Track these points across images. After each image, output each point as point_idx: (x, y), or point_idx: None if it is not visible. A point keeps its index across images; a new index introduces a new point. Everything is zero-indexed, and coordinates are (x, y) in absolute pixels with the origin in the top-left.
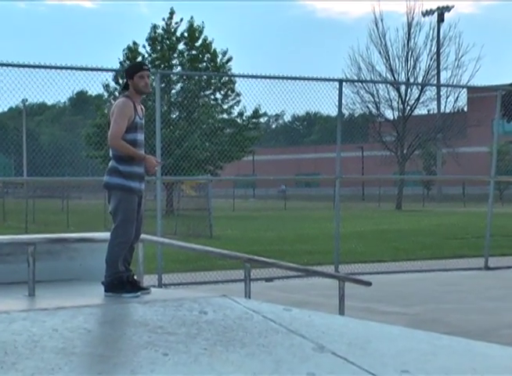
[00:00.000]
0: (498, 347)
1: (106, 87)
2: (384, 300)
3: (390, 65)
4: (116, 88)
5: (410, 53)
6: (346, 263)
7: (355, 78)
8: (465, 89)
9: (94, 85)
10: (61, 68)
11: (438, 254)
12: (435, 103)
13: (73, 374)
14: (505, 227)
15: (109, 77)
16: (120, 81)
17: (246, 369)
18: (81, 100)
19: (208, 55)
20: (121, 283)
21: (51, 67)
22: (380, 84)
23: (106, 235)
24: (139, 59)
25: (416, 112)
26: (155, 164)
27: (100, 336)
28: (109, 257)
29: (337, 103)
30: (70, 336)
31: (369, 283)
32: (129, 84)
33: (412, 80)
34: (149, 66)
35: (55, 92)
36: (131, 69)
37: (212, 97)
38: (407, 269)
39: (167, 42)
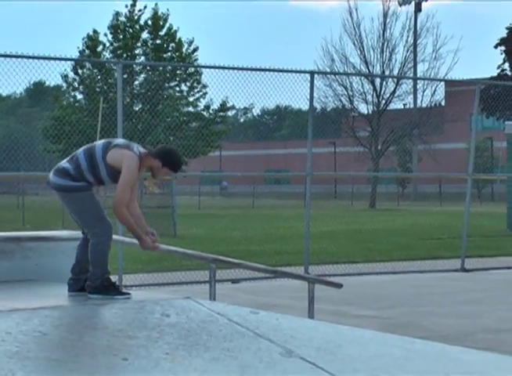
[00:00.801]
0: (473, 352)
1: (65, 77)
2: (356, 303)
3: (364, 57)
4: (75, 79)
5: (386, 44)
6: (316, 264)
7: (328, 70)
8: (442, 83)
9: (52, 75)
10: (17, 57)
11: (413, 255)
12: (411, 96)
13: None
14: (483, 227)
15: (67, 67)
16: (80, 72)
17: (210, 374)
18: (38, 91)
19: (173, 44)
20: (112, 284)
21: (6, 56)
22: (354, 77)
23: (64, 233)
24: (100, 48)
25: (392, 106)
26: (150, 248)
27: (56, 339)
28: (97, 258)
29: (308, 97)
30: (24, 339)
31: (340, 285)
32: (155, 159)
33: (387, 72)
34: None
35: (11, 82)
36: (171, 161)
37: (177, 89)
38: (380, 271)
39: (130, 31)
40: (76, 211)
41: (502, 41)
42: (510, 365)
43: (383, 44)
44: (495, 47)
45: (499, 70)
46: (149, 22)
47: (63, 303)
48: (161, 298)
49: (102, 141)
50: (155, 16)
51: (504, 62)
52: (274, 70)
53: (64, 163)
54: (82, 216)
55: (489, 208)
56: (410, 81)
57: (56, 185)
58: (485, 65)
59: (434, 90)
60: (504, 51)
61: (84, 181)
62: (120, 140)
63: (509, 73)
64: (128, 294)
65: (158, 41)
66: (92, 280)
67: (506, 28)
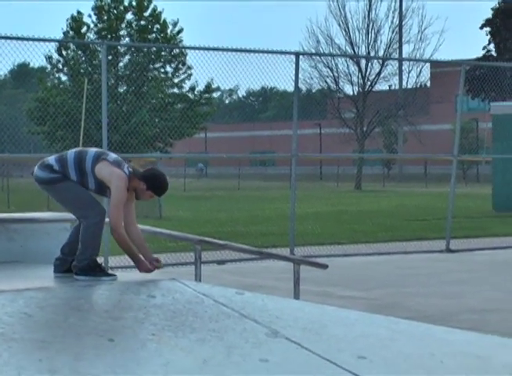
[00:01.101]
0: (458, 332)
1: (49, 59)
2: (342, 284)
3: (350, 38)
4: (59, 61)
5: (371, 26)
6: (302, 245)
7: (313, 51)
8: (428, 64)
9: (36, 57)
10: (0, 38)
11: (398, 236)
12: (397, 78)
13: (13, 361)
14: (468, 208)
15: (52, 49)
16: (64, 53)
17: (196, 355)
18: (22, 73)
19: (158, 26)
20: (98, 265)
21: None
22: (339, 58)
23: (49, 215)
24: (84, 29)
25: (377, 87)
26: (148, 271)
27: (42, 321)
28: (87, 239)
29: (293, 78)
30: (9, 321)
31: (325, 266)
32: (140, 181)
33: (372, 53)
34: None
35: None
36: (156, 186)
37: (162, 70)
38: (366, 252)
39: (115, 12)
40: (63, 201)
41: (487, 22)
42: (493, 345)
43: (368, 25)
44: (481, 28)
45: (484, 51)
46: (134, 3)
47: (48, 284)
48: (147, 280)
49: (95, 150)
50: None
51: (489, 43)
52: (259, 52)
53: (51, 159)
54: (70, 204)
55: (474, 189)
56: (395, 62)
57: (39, 178)
58: (471, 46)
59: (420, 71)
60: (489, 32)
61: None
62: (113, 155)
63: (494, 54)
64: (114, 275)
65: (143, 23)
66: (79, 261)
67: (492, 9)
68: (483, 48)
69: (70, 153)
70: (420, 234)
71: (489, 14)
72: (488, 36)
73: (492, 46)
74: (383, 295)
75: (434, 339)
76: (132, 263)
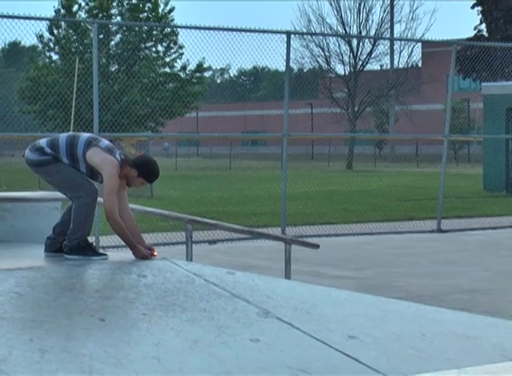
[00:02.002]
0: (449, 312)
1: (41, 38)
2: (333, 263)
3: (341, 17)
4: (50, 39)
5: (362, 5)
6: (293, 225)
7: (305, 31)
8: (419, 44)
9: (27, 35)
10: None
11: (390, 216)
12: (388, 57)
13: (3, 340)
14: (459, 188)
15: (43, 27)
16: (55, 32)
17: (186, 334)
18: (13, 51)
19: (149, 4)
20: (89, 245)
21: None
22: (331, 38)
23: (40, 194)
24: (75, 7)
25: (368, 67)
26: (145, 257)
27: (33, 300)
28: (79, 218)
29: (285, 57)
30: (0, 300)
31: (316, 246)
32: (131, 168)
33: (364, 33)
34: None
35: None
36: (147, 173)
37: (153, 49)
38: (357, 232)
39: None
40: (55, 183)
41: (479, 2)
42: (484, 325)
43: (360, 4)
44: (472, 7)
45: (475, 31)
46: None
47: (39, 264)
48: (138, 259)
49: (87, 136)
50: None
51: (481, 23)
52: (250, 31)
53: (42, 142)
54: (63, 185)
55: (465, 169)
56: (387, 41)
57: (30, 160)
58: (462, 26)
59: (411, 51)
60: (481, 11)
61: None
62: (105, 142)
63: (485, 34)
64: (105, 255)
65: (134, 1)
66: (70, 240)
67: None
68: (474, 28)
69: (62, 137)
70: (411, 214)
71: None
72: (480, 16)
73: (483, 26)
74: (374, 275)
75: (424, 319)
76: (123, 243)
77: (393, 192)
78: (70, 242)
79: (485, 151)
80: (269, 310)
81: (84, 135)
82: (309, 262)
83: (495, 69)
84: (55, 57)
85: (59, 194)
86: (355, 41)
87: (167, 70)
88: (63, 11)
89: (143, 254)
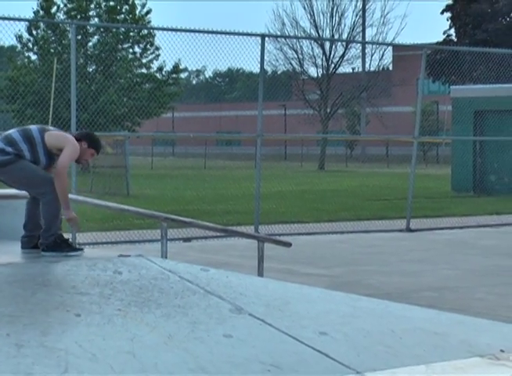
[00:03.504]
0: (417, 309)
1: (19, 38)
2: (304, 261)
3: (314, 21)
4: (29, 40)
5: (335, 9)
6: (266, 224)
7: (279, 34)
8: (390, 47)
9: (6, 36)
10: None
11: (360, 215)
12: (360, 60)
13: None
14: (428, 189)
15: (22, 28)
16: (34, 32)
17: (161, 330)
18: None
19: (126, 7)
20: (65, 240)
21: None
22: (304, 41)
23: (16, 192)
24: (54, 9)
25: (341, 70)
26: (76, 220)
27: (9, 296)
28: (49, 215)
29: (259, 60)
30: None
31: (289, 244)
32: (80, 141)
33: (336, 36)
34: None
35: None
36: (95, 141)
37: (130, 51)
38: (328, 231)
39: None
40: (19, 181)
41: (448, 8)
42: (451, 322)
43: (332, 8)
44: (442, 13)
45: (445, 36)
46: None
47: (15, 260)
48: (113, 256)
49: (36, 125)
50: None
51: (450, 28)
52: (226, 33)
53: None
54: (27, 183)
55: (434, 170)
56: (359, 45)
57: None
58: (432, 31)
59: (382, 54)
60: (450, 17)
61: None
62: (54, 129)
63: (454, 38)
64: (81, 250)
65: (111, 3)
66: (46, 238)
67: None
68: (443, 33)
69: (13, 133)
70: (381, 214)
71: (450, 0)
72: (449, 21)
73: (452, 31)
74: (344, 273)
75: (393, 316)
76: (101, 240)
77: (364, 192)
78: (45, 240)
79: (453, 153)
80: (242, 307)
81: (33, 125)
82: (282, 260)
83: (463, 72)
84: (33, 57)
85: None
86: (327, 45)
87: (144, 71)
88: (41, 12)
89: (75, 217)
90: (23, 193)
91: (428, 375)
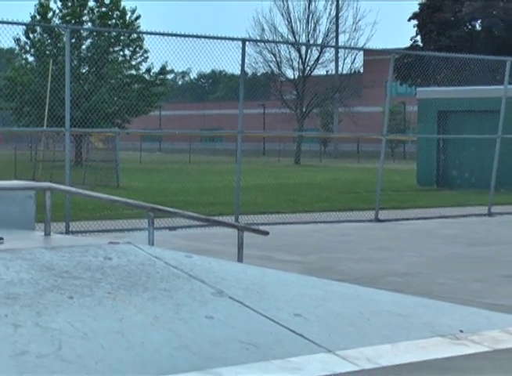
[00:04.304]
0: (384, 293)
1: (18, 41)
2: (281, 249)
3: (291, 27)
4: (26, 43)
5: (311, 16)
6: (246, 214)
7: (258, 38)
8: (361, 52)
9: (5, 38)
10: None
11: (333, 206)
12: (333, 64)
13: None
14: (395, 182)
15: (20, 32)
16: (31, 36)
17: (148, 312)
18: None
19: (117, 12)
20: None
21: None
22: (282, 45)
23: (15, 183)
24: (50, 14)
25: (316, 72)
26: None
27: (7, 279)
28: None
29: (240, 62)
30: None
31: (266, 233)
32: None
33: (312, 41)
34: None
35: None
36: None
37: (121, 53)
38: (303, 221)
39: None
40: None
41: (414, 16)
42: (415, 304)
43: (308, 16)
44: (409, 20)
45: (411, 42)
46: None
47: (14, 246)
48: (104, 243)
49: None
50: None
51: (416, 34)
52: (209, 38)
53: None
54: None
55: (401, 166)
56: (332, 49)
57: None
58: (400, 37)
59: (354, 58)
60: (417, 24)
61: None
62: None
63: (420, 44)
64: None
65: (103, 9)
66: None
67: (419, 4)
68: (410, 39)
69: None
70: (351, 205)
71: (416, 8)
72: (415, 28)
73: (418, 37)
74: (317, 260)
75: (362, 299)
76: (92, 228)
77: (336, 185)
78: None
79: (419, 149)
80: (223, 290)
81: None
82: (260, 248)
83: (428, 76)
84: (30, 59)
85: (33, 183)
86: (303, 49)
87: (133, 72)
88: (38, 17)
89: None
90: (22, 185)
91: (393, 353)
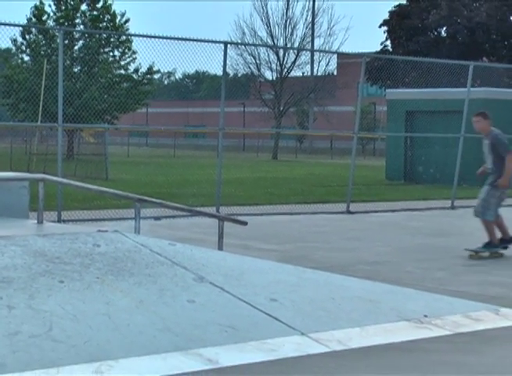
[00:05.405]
0: (354, 280)
1: (14, 41)
2: (259, 238)
3: (270, 31)
4: (22, 43)
5: (288, 21)
6: (226, 205)
7: (239, 41)
8: (335, 55)
9: (2, 39)
10: None
11: (307, 199)
12: (309, 66)
13: None
14: (365, 177)
15: (16, 33)
16: (27, 37)
17: (133, 296)
18: None
19: (108, 16)
20: None
21: None
22: (261, 48)
23: (11, 174)
24: (45, 16)
25: (292, 74)
26: None
27: (2, 264)
28: None
29: (222, 64)
30: None
31: (245, 223)
32: None
33: (289, 45)
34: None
35: None
36: None
37: (111, 54)
38: (280, 212)
39: (71, 3)
40: None
41: (385, 22)
42: (383, 291)
43: (286, 21)
44: (379, 27)
45: (382, 46)
46: None
47: (8, 233)
48: (93, 231)
49: None
50: None
51: (386, 39)
52: (193, 40)
53: None
54: None
55: (371, 162)
56: (308, 52)
57: None
58: (371, 41)
59: (328, 61)
60: (387, 30)
61: None
62: None
63: (390, 49)
64: None
65: (95, 13)
66: None
67: (389, 12)
68: (381, 44)
69: None
70: (325, 198)
71: (386, 15)
72: (385, 34)
73: (388, 42)
74: (293, 249)
75: (334, 286)
76: (82, 217)
77: (311, 179)
78: None
79: (388, 146)
80: (204, 276)
81: None
82: (239, 237)
83: (397, 78)
84: (26, 58)
85: (27, 175)
86: (281, 52)
87: (122, 71)
88: (34, 19)
89: None
90: (17, 176)
91: (362, 336)
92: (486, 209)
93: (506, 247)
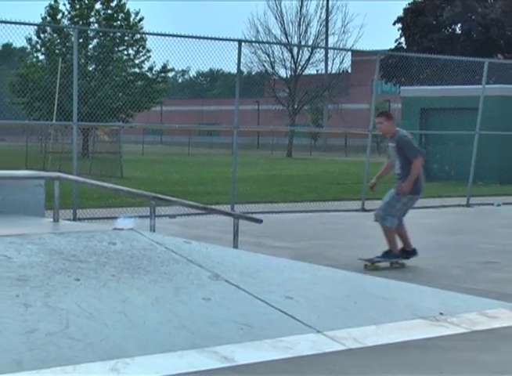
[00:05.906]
0: (370, 277)
1: (29, 40)
2: (274, 236)
3: (284, 29)
4: (37, 42)
5: (302, 19)
6: (241, 203)
7: (253, 39)
8: (349, 52)
9: (18, 38)
10: None
11: (322, 197)
12: (323, 63)
13: None
14: None
15: (31, 32)
16: (42, 36)
17: (149, 293)
18: (6, 52)
19: (122, 14)
20: None
21: None
22: (275, 46)
23: (26, 173)
24: (59, 15)
25: (306, 71)
26: None
27: (19, 262)
28: None
29: (236, 62)
30: None
31: (260, 221)
32: None
33: (303, 43)
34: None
35: None
36: None
37: (125, 53)
38: (294, 210)
39: (86, 1)
40: None
41: (399, 20)
42: (399, 289)
43: (300, 19)
44: (394, 24)
45: (396, 44)
46: None
47: (25, 232)
48: (109, 229)
49: None
50: None
51: (401, 37)
52: (208, 38)
53: None
54: None
55: (386, 159)
56: (322, 50)
57: None
58: (385, 39)
59: (342, 59)
60: (401, 27)
61: None
62: None
63: (404, 46)
64: None
65: (109, 11)
66: None
67: (403, 9)
68: (395, 41)
69: None
70: (339, 196)
71: (401, 13)
72: (400, 31)
73: (402, 39)
74: (307, 246)
75: (349, 283)
76: (98, 215)
77: (325, 177)
78: None
79: None
80: (219, 274)
81: None
82: (254, 235)
83: (412, 75)
84: (41, 57)
85: (42, 173)
86: (295, 50)
87: (137, 70)
88: (48, 18)
89: None
90: (32, 174)
91: (378, 334)
92: (387, 214)
93: (407, 258)
